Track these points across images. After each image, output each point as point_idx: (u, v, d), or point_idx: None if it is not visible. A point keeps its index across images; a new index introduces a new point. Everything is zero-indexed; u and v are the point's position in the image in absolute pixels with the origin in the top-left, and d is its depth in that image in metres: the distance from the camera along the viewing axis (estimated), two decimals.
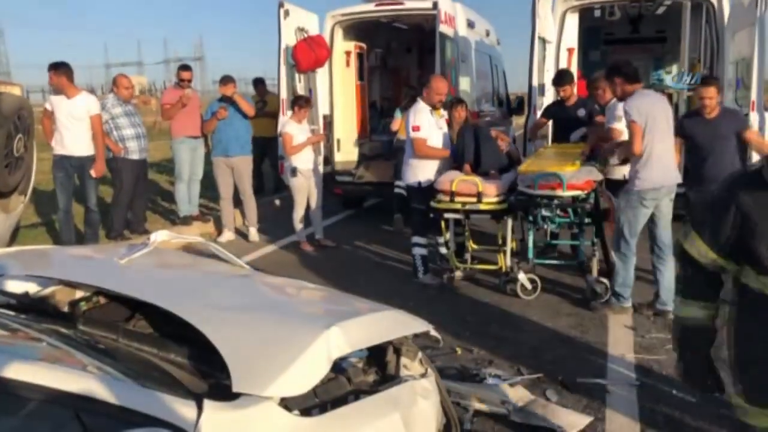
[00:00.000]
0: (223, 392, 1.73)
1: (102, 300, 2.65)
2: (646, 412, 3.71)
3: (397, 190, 7.88)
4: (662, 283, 5.08)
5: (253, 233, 8.06)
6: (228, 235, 8.09)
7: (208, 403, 1.58)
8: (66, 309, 2.56)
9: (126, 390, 1.56)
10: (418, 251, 6.07)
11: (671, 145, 5.07)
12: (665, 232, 5.10)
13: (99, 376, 1.60)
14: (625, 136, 5.45)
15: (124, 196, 7.64)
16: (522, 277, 5.66)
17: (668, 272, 4.99)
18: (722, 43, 7.34)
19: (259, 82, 10.60)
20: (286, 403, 1.75)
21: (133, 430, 1.35)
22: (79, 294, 2.69)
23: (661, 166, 4.92)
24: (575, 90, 6.81)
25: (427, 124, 5.80)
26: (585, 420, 3.58)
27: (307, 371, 1.80)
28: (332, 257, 7.24)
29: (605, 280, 5.47)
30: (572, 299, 5.65)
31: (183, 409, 1.55)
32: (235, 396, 1.68)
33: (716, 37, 7.48)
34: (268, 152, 9.73)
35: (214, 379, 1.95)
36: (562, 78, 6.75)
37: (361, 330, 2.03)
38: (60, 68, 6.84)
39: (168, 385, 1.75)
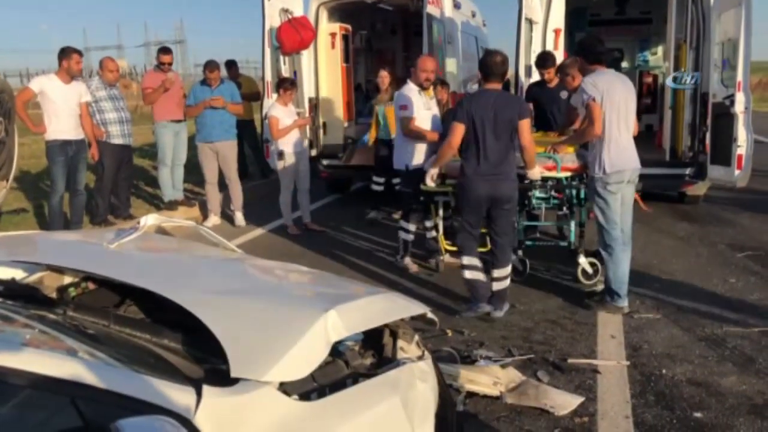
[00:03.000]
0: (220, 378, 1.70)
1: (91, 286, 2.60)
2: (637, 391, 3.73)
3: (374, 186, 7.93)
4: (616, 274, 4.86)
5: (239, 217, 8.00)
6: (214, 220, 8.03)
7: (207, 389, 1.54)
8: (54, 295, 2.51)
9: (123, 376, 1.52)
10: (402, 235, 6.06)
11: (630, 128, 4.85)
12: (626, 219, 4.93)
13: (94, 362, 1.56)
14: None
15: (106, 180, 7.57)
16: (513, 258, 5.65)
17: (625, 262, 4.88)
18: (708, 23, 7.33)
19: (231, 65, 10.48)
20: (285, 388, 1.72)
21: (133, 417, 1.31)
22: (67, 280, 2.64)
23: (620, 148, 4.74)
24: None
25: (414, 104, 5.73)
26: (577, 400, 3.60)
27: (306, 355, 1.77)
28: (319, 241, 7.20)
29: (596, 261, 5.47)
30: (561, 281, 5.67)
31: (182, 395, 1.52)
32: (234, 381, 1.64)
33: (702, 18, 7.46)
34: (244, 135, 9.65)
35: (208, 365, 1.91)
36: (545, 60, 6.71)
37: (360, 313, 2.00)
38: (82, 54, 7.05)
39: (165, 371, 1.71)
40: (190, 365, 1.89)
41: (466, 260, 4.95)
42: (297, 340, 1.78)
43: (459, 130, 4.76)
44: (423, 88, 5.85)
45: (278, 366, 1.70)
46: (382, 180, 7.75)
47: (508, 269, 4.96)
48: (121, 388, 1.46)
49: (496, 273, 4.91)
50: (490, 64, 4.75)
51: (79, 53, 6.98)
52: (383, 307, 2.12)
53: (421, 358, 2.16)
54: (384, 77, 7.99)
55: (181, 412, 1.46)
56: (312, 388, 1.83)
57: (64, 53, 6.90)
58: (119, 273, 2.18)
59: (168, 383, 1.54)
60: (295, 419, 1.64)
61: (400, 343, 2.18)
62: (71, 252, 2.51)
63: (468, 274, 4.94)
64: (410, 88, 5.80)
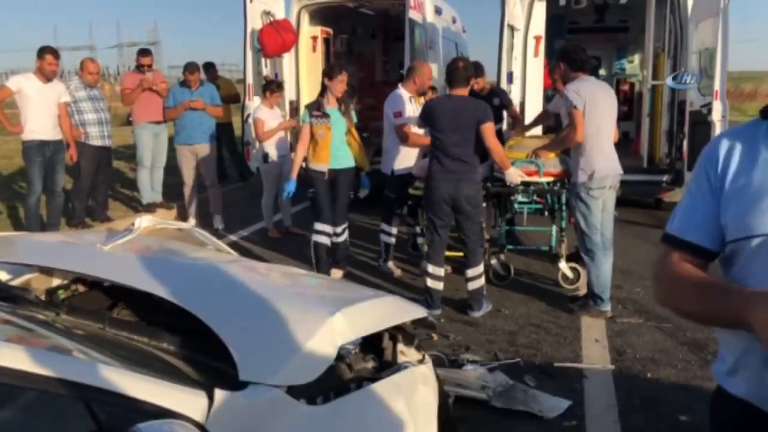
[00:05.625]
0: (223, 381, 1.67)
1: (80, 288, 2.55)
2: (623, 395, 3.76)
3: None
4: (598, 279, 4.91)
5: (218, 221, 7.91)
6: (192, 223, 7.92)
7: (219, 393, 1.52)
8: (43, 297, 2.45)
9: (135, 380, 1.48)
10: (384, 239, 6.06)
11: (612, 134, 4.94)
12: (607, 225, 4.99)
13: (105, 365, 1.52)
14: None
15: (84, 182, 7.46)
16: (495, 263, 5.70)
17: (606, 266, 4.93)
18: (686, 32, 7.47)
19: (209, 66, 10.39)
20: (293, 392, 1.70)
21: (149, 421, 1.28)
22: (55, 282, 2.58)
23: (603, 155, 4.81)
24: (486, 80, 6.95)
25: (407, 112, 5.74)
26: (565, 404, 3.62)
27: (314, 359, 1.75)
28: (301, 245, 7.13)
29: (577, 266, 5.53)
30: (544, 285, 5.71)
31: (194, 399, 1.49)
32: (244, 385, 1.62)
33: (680, 27, 7.60)
34: (222, 138, 9.58)
35: (209, 368, 1.88)
36: (476, 69, 6.70)
37: (365, 316, 1.99)
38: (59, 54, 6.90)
39: (174, 374, 1.68)
40: (193, 368, 1.85)
41: (431, 269, 5.07)
42: (305, 343, 1.76)
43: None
44: (423, 94, 5.90)
45: (287, 369, 1.68)
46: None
47: (480, 268, 5.06)
48: (135, 392, 1.43)
49: (470, 273, 5.02)
50: (453, 71, 4.97)
51: (55, 54, 6.81)
52: (387, 310, 2.11)
53: (422, 361, 2.15)
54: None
55: (194, 416, 1.43)
56: (316, 391, 1.81)
57: (39, 53, 6.78)
58: (119, 276, 2.14)
59: (180, 387, 1.51)
60: (303, 424, 1.62)
61: (400, 346, 2.17)
62: (65, 254, 2.46)
63: (430, 282, 5.07)
64: (401, 95, 5.79)
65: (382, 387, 1.89)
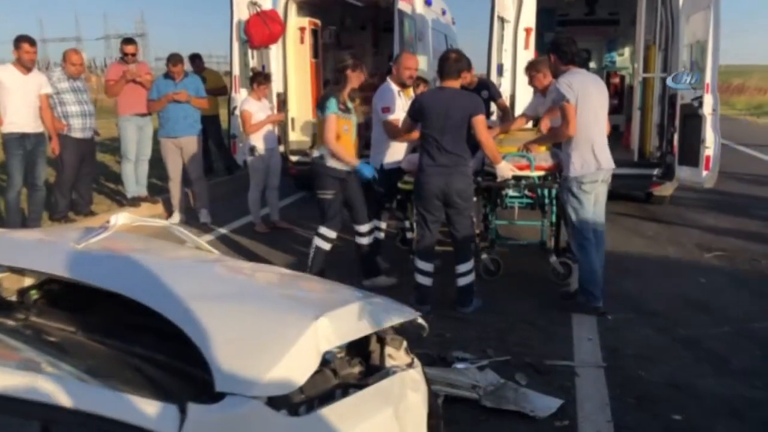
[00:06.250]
0: (201, 391, 1.57)
1: (54, 288, 2.44)
2: (616, 393, 3.70)
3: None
4: (590, 274, 4.83)
5: (204, 215, 7.79)
6: (178, 217, 7.81)
7: (192, 407, 1.41)
8: (14, 298, 2.34)
9: (99, 395, 1.38)
10: (374, 234, 5.94)
11: (604, 128, 4.87)
12: (599, 219, 4.92)
13: (65, 379, 1.41)
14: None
15: (67, 175, 7.32)
16: (485, 258, 5.62)
17: (598, 261, 4.85)
18: (677, 25, 7.38)
19: (195, 58, 10.23)
20: (273, 402, 1.60)
21: None
22: (27, 282, 2.47)
23: (595, 149, 4.74)
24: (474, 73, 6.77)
25: (396, 106, 5.61)
26: (556, 403, 3.55)
27: (296, 367, 1.65)
28: (288, 239, 7.05)
29: (568, 261, 5.46)
30: (535, 280, 5.63)
31: (164, 413, 1.38)
32: (220, 397, 1.51)
33: (671, 20, 7.52)
34: (209, 131, 9.44)
35: (186, 376, 1.78)
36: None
37: (351, 320, 1.88)
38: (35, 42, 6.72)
39: (144, 385, 1.57)
40: (167, 377, 1.75)
41: (421, 265, 4.98)
42: (286, 350, 1.66)
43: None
44: (405, 86, 5.73)
45: (266, 380, 1.57)
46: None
47: (471, 264, 4.97)
48: (98, 409, 1.32)
49: (460, 268, 4.95)
50: (444, 63, 4.88)
51: (30, 42, 6.62)
52: (374, 313, 2.00)
53: (410, 365, 2.06)
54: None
55: None
56: (300, 400, 1.71)
57: (15, 43, 6.61)
58: (90, 275, 2.02)
59: (150, 401, 1.41)
60: None
61: (388, 350, 2.08)
62: (35, 252, 2.33)
63: (419, 279, 5.00)
64: (390, 89, 5.65)
65: (369, 394, 1.80)
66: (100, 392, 1.40)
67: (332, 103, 5.12)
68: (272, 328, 1.76)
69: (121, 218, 2.33)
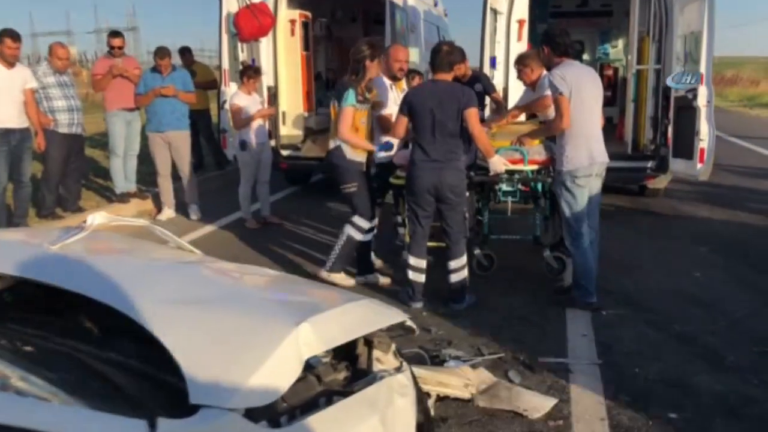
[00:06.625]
0: (178, 401, 1.49)
1: (28, 291, 2.35)
2: (611, 391, 3.63)
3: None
4: (584, 270, 4.76)
5: (195, 211, 7.69)
6: (168, 213, 7.71)
7: (162, 422, 1.33)
8: None
9: (66, 415, 1.29)
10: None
11: (598, 121, 4.80)
12: (593, 214, 4.84)
13: (25, 397, 1.33)
14: (550, 113, 5.27)
15: (53, 171, 7.21)
16: (478, 253, 5.55)
17: (592, 256, 4.78)
18: (671, 16, 7.30)
19: (185, 51, 10.11)
20: (252, 413, 1.51)
21: None
22: (0, 284, 2.37)
23: (589, 142, 4.67)
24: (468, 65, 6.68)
25: (388, 100, 5.50)
26: (550, 402, 3.49)
27: (276, 376, 1.56)
28: (279, 235, 6.97)
29: (562, 256, 5.39)
30: (528, 276, 5.57)
31: (131, 430, 1.30)
32: (194, 409, 1.43)
33: (665, 11, 7.44)
34: (199, 125, 9.33)
35: (164, 384, 1.69)
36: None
37: (335, 325, 1.80)
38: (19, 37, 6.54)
39: (111, 398, 1.49)
40: (142, 386, 1.66)
41: (413, 261, 4.92)
42: (266, 359, 1.57)
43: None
44: (396, 79, 5.63)
45: (244, 390, 1.49)
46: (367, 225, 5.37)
47: (463, 260, 4.91)
48: (61, 429, 1.24)
49: (452, 264, 4.88)
50: (436, 55, 4.79)
51: (13, 38, 6.46)
52: (360, 316, 1.92)
53: (399, 369, 1.98)
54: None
55: None
56: (281, 409, 1.63)
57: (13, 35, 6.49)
58: (62, 279, 1.94)
59: (115, 417, 1.32)
60: None
61: (376, 353, 1.99)
62: (7, 254, 2.24)
63: (411, 275, 4.93)
64: (383, 82, 5.55)
65: (354, 402, 1.72)
66: (67, 411, 1.32)
67: (351, 95, 5.01)
68: (251, 334, 1.68)
69: (98, 218, 2.24)
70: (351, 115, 5.02)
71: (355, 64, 5.08)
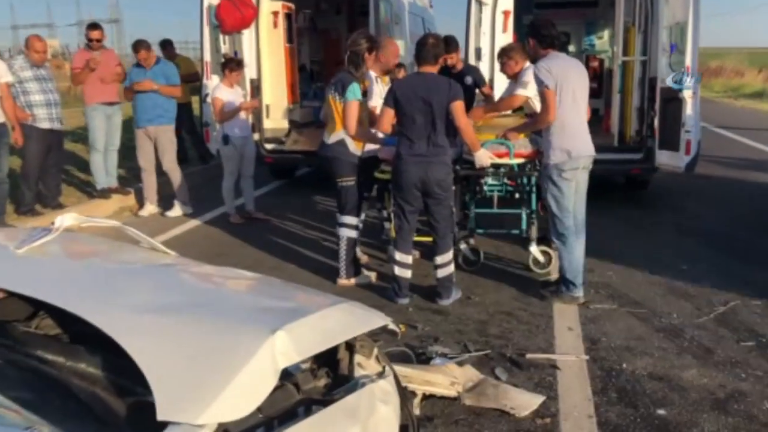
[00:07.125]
0: (146, 416, 1.41)
1: None
2: (598, 387, 3.60)
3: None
4: (570, 263, 4.73)
5: (178, 206, 7.57)
6: (150, 209, 7.60)
7: None
8: None
9: None
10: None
11: (584, 113, 4.75)
12: (580, 207, 4.80)
13: None
14: (535, 106, 5.21)
15: (31, 167, 7.06)
16: (464, 248, 5.50)
17: (579, 250, 4.76)
18: (656, 6, 7.26)
19: (166, 44, 9.95)
20: (225, 427, 1.44)
21: None
22: None
23: (575, 135, 4.62)
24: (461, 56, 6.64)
25: (374, 93, 5.41)
26: (538, 400, 3.44)
27: (249, 389, 1.48)
28: (263, 231, 6.87)
29: (548, 249, 5.35)
30: (515, 270, 5.52)
31: None
32: (162, 426, 1.35)
33: (650, 1, 7.39)
34: (183, 119, 9.20)
35: (135, 396, 1.62)
36: (448, 45, 6.43)
37: (313, 332, 1.72)
38: None
39: (80, 417, 1.41)
40: (111, 398, 1.58)
41: (399, 256, 4.85)
42: (239, 370, 1.49)
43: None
44: (386, 73, 5.56)
45: (216, 405, 1.41)
46: (354, 222, 5.31)
47: (450, 255, 4.86)
48: None
49: (439, 259, 4.82)
50: (422, 48, 4.71)
51: None
52: (340, 321, 1.84)
53: (381, 375, 1.91)
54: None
55: None
56: (256, 422, 1.55)
57: None
58: (26, 285, 1.84)
59: None
60: None
61: (358, 358, 1.92)
62: None
63: (397, 271, 4.86)
64: (369, 75, 5.45)
65: (334, 411, 1.64)
66: None
67: (357, 89, 4.95)
68: (223, 344, 1.60)
69: (67, 219, 2.15)
70: (357, 109, 4.96)
71: (353, 56, 5.02)
